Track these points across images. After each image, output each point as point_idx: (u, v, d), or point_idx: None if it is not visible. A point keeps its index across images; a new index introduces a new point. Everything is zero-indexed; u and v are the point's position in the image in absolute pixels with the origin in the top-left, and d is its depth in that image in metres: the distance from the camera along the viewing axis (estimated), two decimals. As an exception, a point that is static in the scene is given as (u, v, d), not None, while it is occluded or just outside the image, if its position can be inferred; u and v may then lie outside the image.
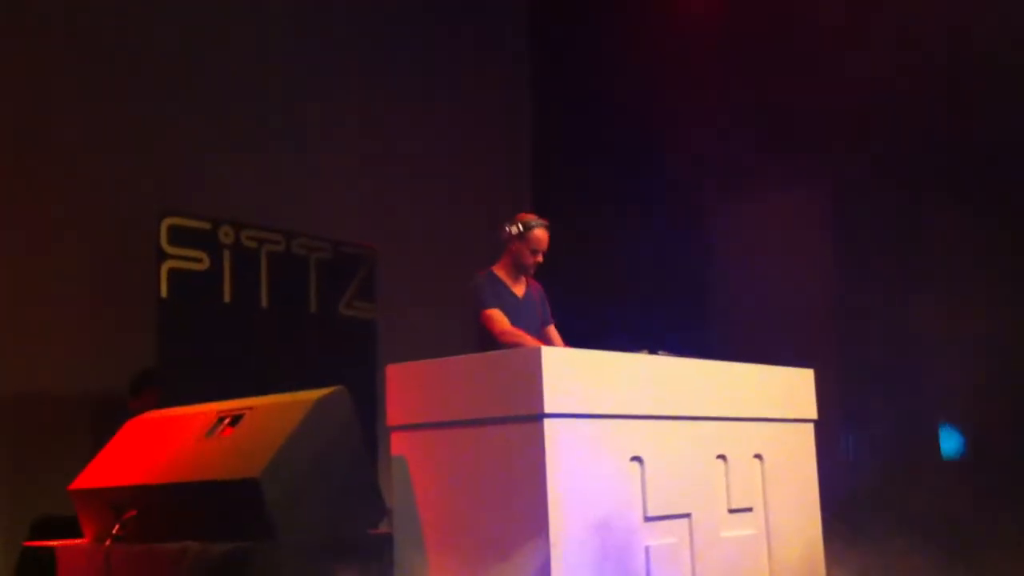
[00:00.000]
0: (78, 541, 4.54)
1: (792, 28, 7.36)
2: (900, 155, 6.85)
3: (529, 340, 4.81)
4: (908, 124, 6.81)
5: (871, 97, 6.94)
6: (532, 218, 5.19)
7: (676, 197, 7.84)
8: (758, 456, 4.48)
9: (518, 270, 5.22)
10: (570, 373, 3.71)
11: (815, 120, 7.14)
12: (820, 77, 7.17)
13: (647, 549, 3.85)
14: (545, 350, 3.66)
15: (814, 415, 4.88)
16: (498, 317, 4.97)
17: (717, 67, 7.72)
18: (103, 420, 5.90)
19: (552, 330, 5.34)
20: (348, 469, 4.06)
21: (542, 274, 5.36)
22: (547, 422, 3.56)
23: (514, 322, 5.01)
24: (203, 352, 5.99)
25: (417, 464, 3.93)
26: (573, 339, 5.14)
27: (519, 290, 5.22)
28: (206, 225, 6.21)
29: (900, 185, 6.81)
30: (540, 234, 5.14)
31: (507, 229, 5.18)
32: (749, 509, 4.39)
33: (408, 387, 4.01)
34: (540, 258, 5.18)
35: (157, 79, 6.86)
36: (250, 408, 4.28)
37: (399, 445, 4.00)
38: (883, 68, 6.86)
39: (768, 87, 7.39)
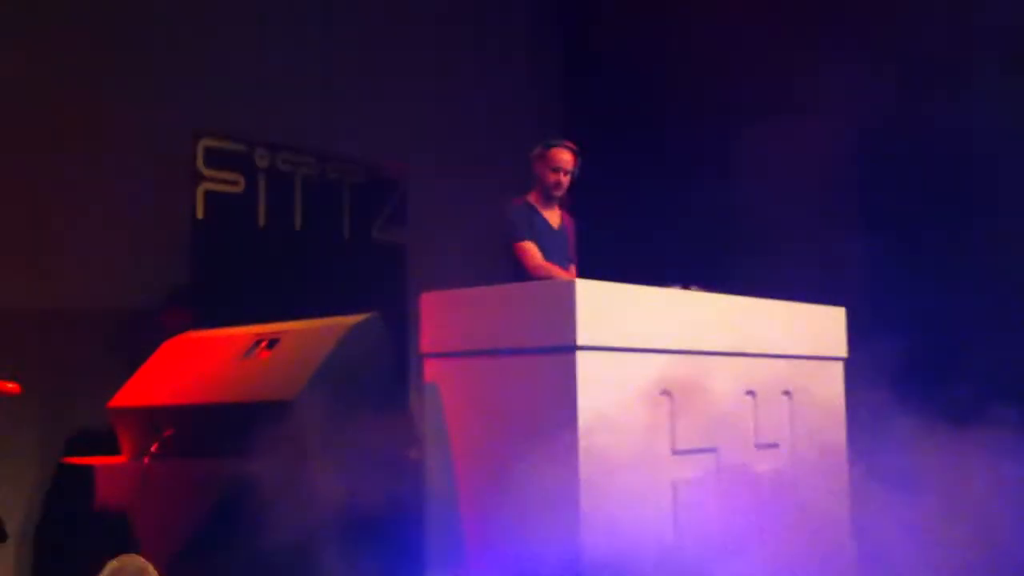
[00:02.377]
0: (115, 458, 4.63)
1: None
2: (932, 74, 6.67)
3: (562, 275, 4.83)
4: (938, 41, 6.62)
5: (896, 16, 6.78)
6: (554, 140, 5.13)
7: (704, 130, 7.74)
8: (787, 393, 4.50)
9: (546, 194, 5.12)
10: (604, 306, 3.73)
11: (841, 44, 6.98)
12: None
13: (674, 482, 3.91)
14: (579, 283, 3.67)
15: (844, 353, 4.89)
16: (531, 251, 4.93)
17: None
18: (137, 339, 5.97)
19: (572, 270, 5.25)
20: (381, 394, 4.12)
21: (574, 207, 5.36)
22: (579, 354, 3.60)
23: (547, 251, 4.99)
24: (237, 274, 6.05)
25: (449, 391, 3.97)
26: (606, 275, 5.14)
27: (554, 220, 5.18)
28: (241, 147, 6.23)
29: (930, 105, 6.63)
30: (559, 152, 5.04)
31: (532, 153, 5.15)
32: (776, 445, 4.43)
33: (442, 315, 4.04)
34: (563, 178, 5.05)
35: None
36: (286, 332, 4.35)
37: (432, 372, 4.03)
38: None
39: (792, 11, 7.26)
